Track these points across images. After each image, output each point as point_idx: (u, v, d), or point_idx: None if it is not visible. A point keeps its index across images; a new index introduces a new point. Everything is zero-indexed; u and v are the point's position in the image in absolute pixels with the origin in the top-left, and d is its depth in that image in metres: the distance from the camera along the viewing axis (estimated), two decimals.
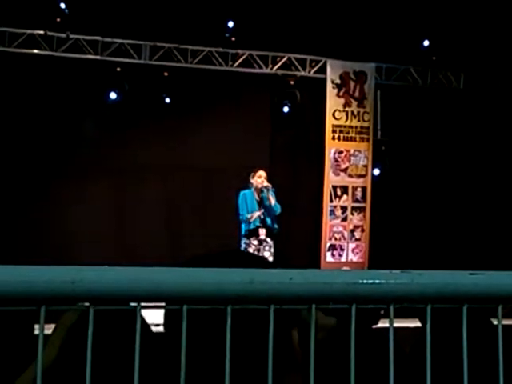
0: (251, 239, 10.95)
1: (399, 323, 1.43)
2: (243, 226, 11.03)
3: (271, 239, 11.13)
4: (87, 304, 1.22)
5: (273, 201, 10.98)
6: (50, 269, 1.17)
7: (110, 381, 1.82)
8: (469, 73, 14.54)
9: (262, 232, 10.94)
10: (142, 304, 1.23)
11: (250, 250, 10.90)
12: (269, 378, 1.27)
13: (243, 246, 10.97)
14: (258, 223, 10.94)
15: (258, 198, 11.05)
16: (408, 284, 1.31)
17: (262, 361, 1.29)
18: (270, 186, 11.00)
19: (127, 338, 1.41)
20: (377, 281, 1.29)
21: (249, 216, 10.89)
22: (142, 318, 1.26)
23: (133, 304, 1.24)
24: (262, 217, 10.99)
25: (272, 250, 11.08)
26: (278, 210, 11.07)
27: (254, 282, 1.22)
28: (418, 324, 2.87)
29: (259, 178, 11.03)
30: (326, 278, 1.28)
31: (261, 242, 10.97)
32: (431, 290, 1.33)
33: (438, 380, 1.42)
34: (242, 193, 11.10)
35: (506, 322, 1.45)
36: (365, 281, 1.29)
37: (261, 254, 10.89)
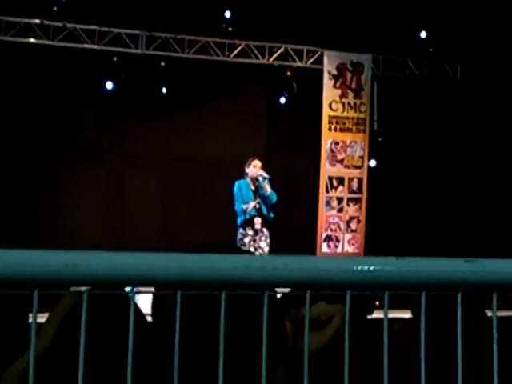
0: (247, 229, 10.93)
1: (393, 314, 1.42)
2: (238, 216, 11.02)
3: (267, 229, 11.11)
4: (82, 288, 1.22)
5: (268, 189, 10.97)
6: (43, 252, 1.16)
7: (104, 369, 1.82)
8: (466, 64, 14.53)
9: (258, 221, 10.92)
10: (137, 289, 1.23)
11: (246, 240, 10.89)
12: (263, 366, 1.27)
13: (239, 236, 10.96)
14: (253, 213, 10.93)
15: (253, 188, 11.05)
16: (403, 271, 1.31)
17: (253, 348, 1.29)
18: (265, 174, 10.98)
19: (121, 327, 1.40)
20: (372, 268, 1.29)
21: (244, 207, 10.88)
22: (136, 307, 1.25)
23: (127, 289, 1.24)
24: (257, 206, 10.97)
25: (268, 240, 11.08)
26: (274, 198, 11.06)
27: (249, 268, 1.22)
28: (410, 315, 2.87)
29: (254, 168, 11.03)
30: (322, 264, 1.28)
31: (256, 232, 10.95)
32: (426, 277, 1.32)
33: (432, 369, 1.42)
34: (237, 183, 11.09)
35: (500, 313, 1.45)
36: (360, 267, 1.28)
37: (257, 245, 10.89)
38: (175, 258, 1.22)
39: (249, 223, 10.92)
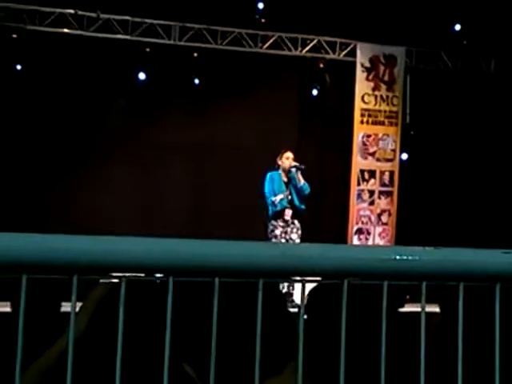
0: (278, 221, 10.89)
1: (418, 308, 1.41)
2: (270, 208, 10.97)
3: (299, 221, 11.06)
4: (119, 274, 1.22)
5: (302, 180, 10.92)
6: (82, 238, 1.17)
7: (138, 354, 1.83)
8: (500, 57, 14.40)
9: (288, 213, 10.86)
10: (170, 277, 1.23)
11: (277, 232, 10.84)
12: (299, 352, 1.27)
13: (270, 228, 10.91)
14: (285, 204, 10.88)
15: (285, 179, 11.00)
16: (441, 261, 1.30)
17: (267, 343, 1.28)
18: (298, 164, 10.93)
19: (155, 312, 1.41)
20: (410, 257, 1.28)
21: (273, 199, 10.84)
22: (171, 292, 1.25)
23: (159, 275, 1.24)
24: (289, 197, 10.93)
25: (299, 232, 11.02)
26: (307, 189, 11.00)
27: (286, 256, 1.22)
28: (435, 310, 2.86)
29: (287, 160, 10.98)
30: (359, 253, 1.27)
31: (287, 223, 10.91)
32: (464, 268, 1.31)
33: (465, 362, 1.41)
34: (269, 174, 11.04)
35: None
36: (398, 257, 1.27)
37: (288, 236, 10.84)
38: (213, 245, 1.22)
39: (280, 215, 10.87)
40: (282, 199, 10.83)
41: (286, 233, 10.84)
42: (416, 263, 1.28)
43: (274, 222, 10.88)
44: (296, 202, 10.96)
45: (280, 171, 11.01)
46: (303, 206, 11.06)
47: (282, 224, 10.86)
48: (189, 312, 1.79)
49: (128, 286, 1.27)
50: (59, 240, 1.14)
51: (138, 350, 1.83)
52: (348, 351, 1.35)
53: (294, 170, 10.89)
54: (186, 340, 1.83)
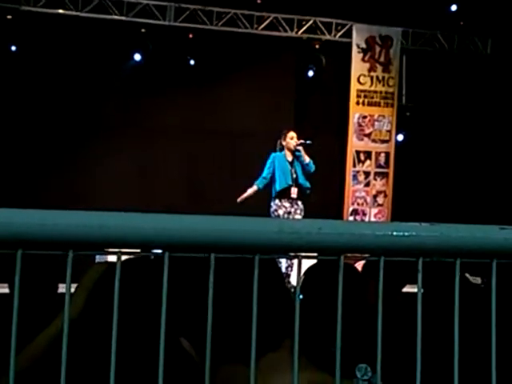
0: (283, 201, 10.89)
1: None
2: (274, 185, 10.96)
3: (302, 202, 11.08)
4: (114, 250, 1.22)
5: (307, 158, 10.95)
6: (77, 213, 1.17)
7: (135, 331, 1.83)
8: (496, 38, 14.38)
9: (294, 191, 10.89)
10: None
11: (281, 211, 10.84)
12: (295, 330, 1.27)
13: (273, 207, 10.91)
14: (290, 182, 10.89)
15: (289, 159, 11.02)
16: (437, 237, 1.30)
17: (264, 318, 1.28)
18: (304, 141, 10.95)
19: (152, 288, 1.41)
20: (406, 233, 1.28)
21: (239, 200, 10.93)
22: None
23: (156, 251, 1.24)
24: (294, 175, 10.94)
25: (303, 213, 11.04)
26: (312, 167, 11.03)
27: (282, 232, 1.21)
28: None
29: (291, 139, 11.00)
30: (355, 229, 1.27)
31: (292, 203, 10.92)
32: (461, 244, 1.31)
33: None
34: (272, 155, 11.06)
35: None
36: (394, 233, 1.27)
37: (291, 217, 10.86)
38: (209, 221, 1.22)
39: (285, 194, 10.87)
40: (246, 197, 10.91)
41: (289, 213, 10.85)
42: (412, 239, 1.28)
43: (277, 202, 10.89)
44: (301, 180, 10.97)
45: (284, 152, 11.02)
46: (308, 184, 11.08)
47: (286, 204, 10.87)
48: (186, 287, 1.79)
49: (124, 263, 1.26)
50: (54, 215, 1.13)
51: (135, 327, 1.83)
52: (344, 330, 1.35)
53: (301, 147, 10.91)
54: (183, 315, 1.84)
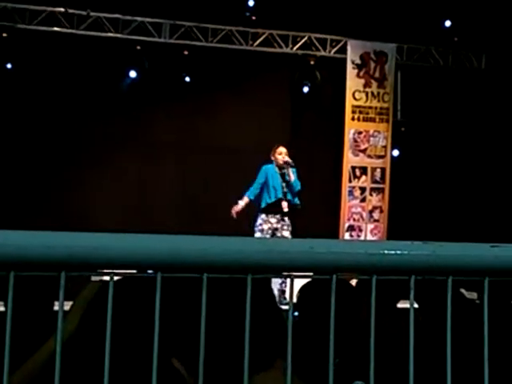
0: (269, 216, 10.90)
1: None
2: (264, 198, 10.97)
3: (288, 218, 11.08)
4: (107, 271, 1.22)
5: (292, 177, 10.95)
6: (71, 235, 1.17)
7: (128, 351, 1.83)
8: (490, 53, 14.43)
9: (285, 205, 10.90)
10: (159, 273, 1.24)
11: (265, 226, 10.87)
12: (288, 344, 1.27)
13: (259, 221, 10.93)
14: (280, 195, 10.90)
15: (280, 172, 11.05)
16: (429, 255, 1.30)
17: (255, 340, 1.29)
18: (290, 161, 10.98)
19: (145, 308, 1.41)
20: (398, 251, 1.28)
21: (233, 212, 10.94)
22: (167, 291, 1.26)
23: (150, 271, 1.24)
24: (285, 190, 10.95)
25: (290, 228, 11.05)
26: (297, 186, 11.04)
27: (273, 252, 1.22)
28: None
29: (280, 155, 11.03)
30: (348, 247, 1.28)
31: (278, 220, 10.93)
32: (452, 262, 1.32)
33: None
34: (264, 167, 11.10)
35: None
36: (386, 251, 1.28)
37: (279, 234, 10.86)
38: (201, 241, 1.22)
39: (274, 206, 10.88)
40: (242, 207, 10.92)
41: (276, 229, 10.86)
42: (404, 258, 1.28)
43: (264, 217, 10.90)
44: (289, 196, 10.99)
45: (274, 165, 11.06)
46: (297, 201, 11.09)
47: (272, 220, 10.87)
48: (178, 308, 1.79)
49: (118, 284, 1.27)
50: (47, 236, 1.14)
51: (128, 347, 1.83)
52: (338, 348, 1.35)
53: (285, 166, 10.93)
54: (176, 335, 1.84)
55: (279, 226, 10.90)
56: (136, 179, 13.27)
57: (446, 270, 1.32)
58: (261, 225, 10.85)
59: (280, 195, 10.87)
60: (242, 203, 11.01)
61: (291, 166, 10.96)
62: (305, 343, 2.20)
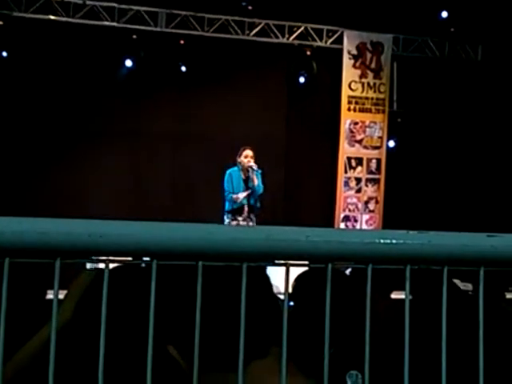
0: (236, 215, 11.03)
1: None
2: (227, 203, 11.10)
3: (254, 215, 11.20)
4: (103, 258, 1.22)
5: (256, 181, 11.00)
6: (66, 221, 1.16)
7: (123, 338, 1.83)
8: (487, 45, 14.43)
9: (245, 210, 11.05)
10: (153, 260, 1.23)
11: (234, 223, 10.99)
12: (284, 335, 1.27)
13: (226, 221, 11.05)
14: (244, 202, 11.03)
15: (244, 177, 11.11)
16: (425, 244, 1.30)
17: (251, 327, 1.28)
18: (254, 165, 11.02)
19: (140, 295, 1.41)
20: (394, 241, 1.28)
21: (234, 197, 10.95)
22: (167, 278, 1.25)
23: (146, 259, 1.24)
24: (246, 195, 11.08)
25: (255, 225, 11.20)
26: (260, 190, 11.10)
27: (271, 239, 1.21)
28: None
29: (245, 158, 11.07)
30: (343, 236, 1.27)
31: (245, 218, 11.07)
32: (448, 251, 1.32)
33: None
34: (228, 171, 11.17)
35: None
36: (382, 240, 1.27)
37: None
38: (197, 229, 1.22)
39: (238, 211, 11.03)
40: (244, 197, 10.96)
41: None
42: (400, 247, 1.28)
43: (231, 216, 11.04)
44: (251, 201, 11.09)
45: (240, 168, 11.11)
46: (258, 205, 11.18)
47: (240, 218, 11.00)
48: (174, 295, 1.79)
49: (113, 271, 1.26)
50: (42, 223, 1.13)
51: (124, 334, 1.83)
52: (333, 337, 1.35)
53: (250, 169, 10.98)
54: (171, 323, 1.84)
55: (245, 223, 11.02)
56: (131, 167, 13.27)
57: (441, 259, 1.32)
58: (229, 223, 10.98)
59: (244, 201, 11.01)
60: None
61: (256, 170, 11.02)
62: (300, 333, 2.20)
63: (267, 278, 1.96)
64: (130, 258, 1.25)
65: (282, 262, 1.26)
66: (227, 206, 11.11)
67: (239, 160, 11.13)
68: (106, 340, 1.26)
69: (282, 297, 1.89)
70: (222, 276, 1.52)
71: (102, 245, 1.14)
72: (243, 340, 1.24)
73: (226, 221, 11.06)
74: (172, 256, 1.21)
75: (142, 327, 1.29)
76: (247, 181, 11.06)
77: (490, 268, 1.35)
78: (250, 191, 11.01)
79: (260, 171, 11.11)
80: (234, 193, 11.00)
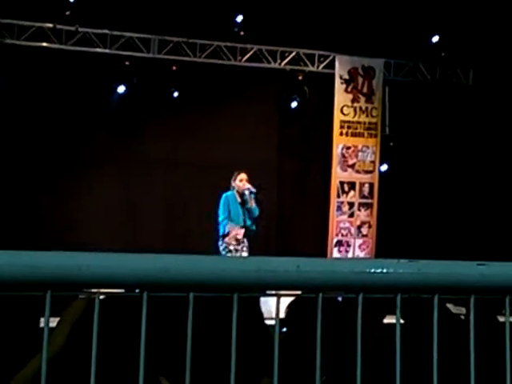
0: (231, 240, 11.05)
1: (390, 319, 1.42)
2: (220, 228, 11.10)
3: (247, 239, 11.23)
4: (94, 290, 1.22)
5: (253, 204, 11.04)
6: (56, 254, 1.16)
7: (116, 370, 1.82)
8: (478, 69, 14.49)
9: (240, 233, 11.03)
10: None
11: (231, 247, 11.02)
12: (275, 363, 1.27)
13: (223, 245, 11.06)
14: (239, 224, 11.05)
15: (240, 200, 11.14)
16: (415, 273, 1.30)
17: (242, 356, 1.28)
18: (252, 188, 11.05)
19: (133, 327, 1.41)
20: (384, 270, 1.29)
21: (230, 227, 10.98)
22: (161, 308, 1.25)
23: (137, 290, 1.24)
24: (243, 217, 11.10)
25: (248, 250, 11.20)
26: (256, 212, 11.15)
27: (261, 270, 1.22)
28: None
29: (240, 182, 11.11)
30: (334, 266, 1.28)
31: (239, 242, 11.07)
32: (438, 280, 1.32)
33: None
34: (224, 195, 11.18)
35: None
36: (372, 270, 1.28)
37: (238, 254, 10.98)
38: (188, 260, 1.22)
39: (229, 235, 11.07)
40: (235, 235, 10.99)
41: (236, 251, 11.01)
42: (390, 276, 1.29)
43: (227, 240, 11.02)
44: (248, 222, 11.10)
45: (235, 192, 11.13)
46: (254, 227, 11.21)
47: (234, 243, 11.01)
48: (166, 326, 1.79)
49: (106, 302, 1.26)
50: (32, 256, 1.13)
51: (116, 364, 1.83)
52: (325, 365, 1.35)
53: (247, 192, 10.99)
54: (163, 354, 1.83)
55: (239, 247, 11.04)
56: (124, 195, 13.25)
57: (431, 288, 1.33)
58: (227, 247, 10.99)
59: (239, 224, 11.03)
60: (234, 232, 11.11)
61: (251, 192, 11.04)
62: (292, 359, 2.20)
63: (258, 308, 1.96)
64: (122, 290, 1.25)
65: (273, 292, 1.26)
66: (221, 231, 11.10)
67: (233, 184, 11.16)
68: (98, 369, 1.26)
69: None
70: (214, 307, 1.53)
71: (91, 277, 1.15)
72: (234, 370, 1.24)
73: (223, 245, 11.05)
74: (163, 288, 1.21)
75: (134, 357, 1.29)
76: (243, 204, 11.08)
77: (480, 296, 1.36)
78: (242, 231, 11.06)
79: (256, 192, 11.11)
80: (230, 218, 11.00)
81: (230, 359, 1.25)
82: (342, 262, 1.30)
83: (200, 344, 1.32)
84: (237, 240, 11.05)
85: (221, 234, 11.12)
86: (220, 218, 11.10)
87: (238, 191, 11.13)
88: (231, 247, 10.99)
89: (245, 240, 11.17)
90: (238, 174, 11.21)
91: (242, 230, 11.07)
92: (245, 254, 11.09)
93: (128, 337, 1.78)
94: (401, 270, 1.31)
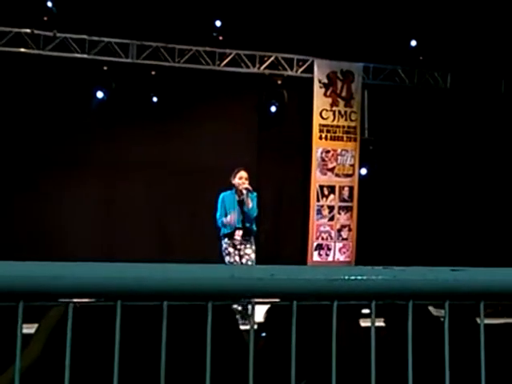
0: (231, 240, 10.89)
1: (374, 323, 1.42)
2: (222, 228, 10.98)
3: (252, 237, 11.04)
4: (67, 300, 1.21)
5: (250, 204, 10.88)
6: (30, 264, 1.16)
7: (93, 378, 1.82)
8: (456, 73, 14.57)
9: (239, 233, 10.87)
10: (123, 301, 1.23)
11: (230, 249, 10.85)
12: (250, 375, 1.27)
13: (224, 245, 10.92)
14: (238, 225, 10.88)
15: (238, 199, 10.97)
16: (390, 280, 1.31)
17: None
18: (249, 188, 10.91)
19: (110, 337, 1.40)
20: (359, 277, 1.29)
21: (225, 221, 10.86)
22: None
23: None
24: (241, 217, 10.92)
25: (254, 247, 11.00)
26: (254, 213, 10.93)
27: (235, 278, 1.22)
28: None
29: (240, 180, 10.93)
30: (308, 274, 1.28)
31: (241, 241, 10.92)
32: (413, 286, 1.32)
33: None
34: (221, 195, 11.04)
35: (490, 321, 1.45)
36: (347, 277, 1.28)
37: (242, 252, 10.85)
38: (161, 269, 1.22)
39: (231, 235, 10.88)
40: (234, 220, 10.83)
41: (240, 250, 10.85)
42: (365, 283, 1.29)
43: (227, 240, 10.88)
44: (247, 224, 10.93)
45: (234, 190, 10.98)
46: (254, 227, 11.05)
47: (236, 242, 10.86)
48: (140, 335, 1.79)
49: (81, 311, 1.26)
50: (4, 266, 1.13)
51: (90, 375, 1.82)
52: (305, 369, 1.35)
53: (245, 192, 10.85)
54: (138, 363, 1.83)
55: (242, 246, 10.89)
56: (103, 200, 13.21)
57: (406, 294, 1.33)
58: (226, 249, 10.87)
59: (237, 225, 10.86)
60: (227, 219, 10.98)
61: (250, 192, 10.91)
62: (272, 364, 2.20)
63: (233, 315, 1.96)
64: (94, 300, 1.24)
65: (248, 300, 1.26)
66: (222, 231, 10.98)
67: (233, 182, 11.01)
68: (74, 378, 1.26)
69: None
70: (187, 315, 1.52)
71: (64, 287, 1.14)
72: (209, 379, 1.24)
73: (224, 246, 10.92)
74: (136, 297, 1.21)
75: (109, 367, 1.28)
76: (242, 203, 10.92)
77: (454, 302, 1.36)
78: (237, 213, 10.87)
79: (255, 194, 11.02)
80: (225, 216, 10.89)
81: (206, 367, 1.24)
82: (317, 270, 1.30)
83: (174, 352, 1.31)
84: (237, 240, 10.91)
85: (221, 234, 11.00)
86: (218, 220, 10.97)
87: (237, 189, 10.97)
88: (230, 249, 10.86)
89: (251, 239, 10.96)
90: (238, 171, 11.01)
91: (241, 232, 10.93)
92: (249, 250, 10.91)
93: (103, 346, 1.77)
94: (375, 276, 1.31)
